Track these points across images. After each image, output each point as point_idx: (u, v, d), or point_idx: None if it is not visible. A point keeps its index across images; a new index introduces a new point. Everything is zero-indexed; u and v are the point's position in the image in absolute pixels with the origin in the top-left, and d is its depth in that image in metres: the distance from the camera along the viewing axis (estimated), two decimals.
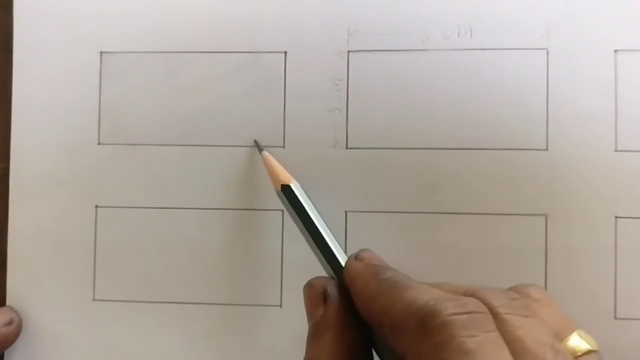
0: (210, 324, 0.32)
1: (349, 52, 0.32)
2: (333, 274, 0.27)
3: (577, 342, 0.21)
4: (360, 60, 0.32)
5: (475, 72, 0.31)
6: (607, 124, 0.31)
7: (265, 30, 0.32)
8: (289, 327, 0.32)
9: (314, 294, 0.25)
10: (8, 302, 0.33)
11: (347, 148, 0.32)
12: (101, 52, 0.33)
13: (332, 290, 0.25)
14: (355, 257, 0.26)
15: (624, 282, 0.30)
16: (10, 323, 0.32)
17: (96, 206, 0.33)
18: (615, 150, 0.31)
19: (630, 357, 0.30)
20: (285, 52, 0.32)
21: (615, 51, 0.31)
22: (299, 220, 0.28)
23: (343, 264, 0.26)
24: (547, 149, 0.31)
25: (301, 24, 0.32)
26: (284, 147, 0.32)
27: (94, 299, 0.33)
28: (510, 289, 0.23)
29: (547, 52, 0.31)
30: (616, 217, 0.31)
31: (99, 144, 0.33)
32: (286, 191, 0.29)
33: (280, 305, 0.32)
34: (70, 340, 0.33)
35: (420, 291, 0.21)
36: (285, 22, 0.32)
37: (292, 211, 0.29)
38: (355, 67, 0.32)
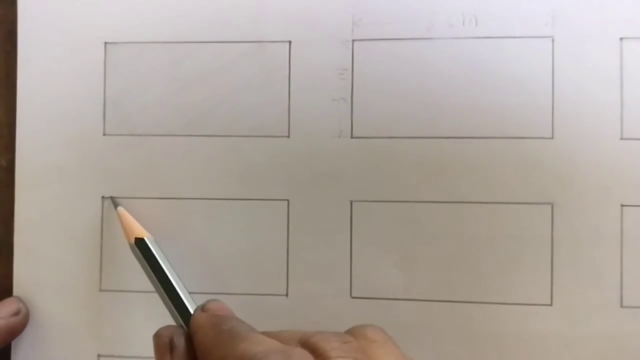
0: None
1: (353, 41, 0.32)
2: (183, 325, 0.27)
3: None
4: (365, 49, 0.32)
5: (480, 60, 0.31)
6: (612, 112, 0.31)
7: (270, 19, 0.32)
8: (295, 316, 0.32)
9: (160, 344, 0.26)
10: (15, 292, 0.33)
11: (352, 137, 0.32)
12: (105, 43, 0.33)
13: (179, 341, 0.25)
14: (201, 309, 0.27)
15: (630, 270, 0.30)
16: (17, 313, 0.32)
17: (102, 197, 0.33)
18: (621, 138, 0.31)
19: (636, 345, 0.30)
20: (290, 42, 0.32)
21: (621, 39, 0.31)
22: (151, 272, 0.29)
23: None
24: (552, 137, 0.31)
25: (305, 13, 0.32)
26: (288, 136, 0.32)
27: (100, 289, 0.33)
28: (348, 331, 0.23)
29: (553, 40, 0.31)
30: (622, 205, 0.31)
31: (104, 134, 0.33)
32: (139, 245, 0.30)
33: (286, 295, 0.32)
34: (76, 330, 0.33)
35: (253, 343, 0.22)
36: (289, 11, 0.32)
37: (145, 264, 0.30)
38: (360, 56, 0.32)
